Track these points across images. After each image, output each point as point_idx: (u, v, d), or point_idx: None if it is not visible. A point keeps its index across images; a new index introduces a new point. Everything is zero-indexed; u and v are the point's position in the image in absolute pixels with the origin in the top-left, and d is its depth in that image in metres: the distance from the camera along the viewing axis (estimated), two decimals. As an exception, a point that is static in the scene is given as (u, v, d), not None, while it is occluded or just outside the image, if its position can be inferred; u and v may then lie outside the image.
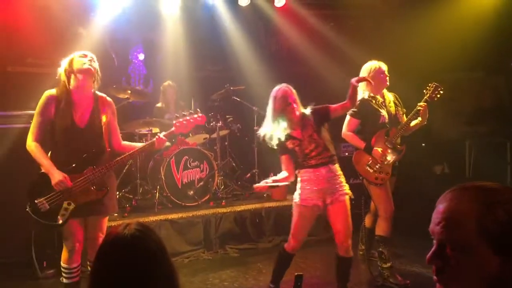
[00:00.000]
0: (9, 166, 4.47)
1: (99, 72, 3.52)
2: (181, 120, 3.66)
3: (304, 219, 3.76)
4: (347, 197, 3.72)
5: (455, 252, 1.20)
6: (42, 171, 3.30)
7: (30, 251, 4.59)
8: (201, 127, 6.57)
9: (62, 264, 3.48)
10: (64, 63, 3.42)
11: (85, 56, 3.42)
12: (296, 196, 3.79)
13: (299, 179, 3.84)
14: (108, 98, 3.62)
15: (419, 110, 4.25)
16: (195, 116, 3.72)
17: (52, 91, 3.40)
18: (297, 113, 3.75)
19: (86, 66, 3.37)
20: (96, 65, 3.47)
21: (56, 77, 3.45)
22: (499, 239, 1.15)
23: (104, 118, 3.48)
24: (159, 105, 6.77)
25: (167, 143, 6.17)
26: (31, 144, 3.31)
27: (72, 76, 3.39)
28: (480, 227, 1.16)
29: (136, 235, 1.52)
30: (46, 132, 3.37)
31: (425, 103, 4.26)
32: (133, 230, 1.52)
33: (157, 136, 3.55)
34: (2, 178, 4.52)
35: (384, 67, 4.44)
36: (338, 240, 3.72)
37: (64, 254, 3.45)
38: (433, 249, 1.26)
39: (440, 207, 1.25)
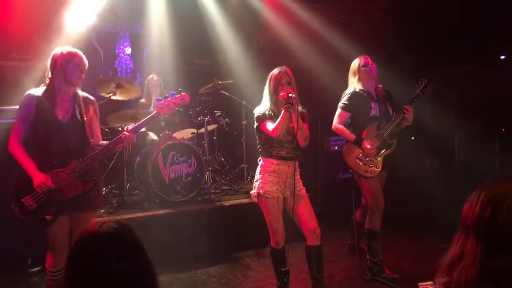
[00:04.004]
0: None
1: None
2: (163, 101, 3.52)
3: (272, 211, 3.76)
4: (304, 191, 3.85)
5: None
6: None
7: (17, 247, 4.51)
8: (189, 123, 6.51)
9: (47, 268, 3.36)
10: (53, 59, 3.31)
11: (77, 56, 3.34)
12: (257, 187, 3.79)
13: (259, 168, 3.85)
14: (91, 97, 3.54)
15: (404, 113, 4.25)
16: (177, 96, 3.56)
17: (33, 91, 3.32)
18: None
19: (79, 67, 3.32)
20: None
21: (46, 73, 3.35)
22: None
23: (86, 115, 3.40)
24: (142, 100, 6.64)
25: (153, 137, 6.12)
26: (13, 146, 3.24)
27: (60, 74, 3.29)
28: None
29: (112, 232, 1.49)
30: (29, 133, 3.28)
31: (410, 105, 4.27)
32: (109, 228, 1.49)
33: (124, 131, 3.42)
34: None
35: (366, 60, 4.41)
36: (310, 230, 3.74)
37: (49, 259, 3.34)
38: None
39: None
